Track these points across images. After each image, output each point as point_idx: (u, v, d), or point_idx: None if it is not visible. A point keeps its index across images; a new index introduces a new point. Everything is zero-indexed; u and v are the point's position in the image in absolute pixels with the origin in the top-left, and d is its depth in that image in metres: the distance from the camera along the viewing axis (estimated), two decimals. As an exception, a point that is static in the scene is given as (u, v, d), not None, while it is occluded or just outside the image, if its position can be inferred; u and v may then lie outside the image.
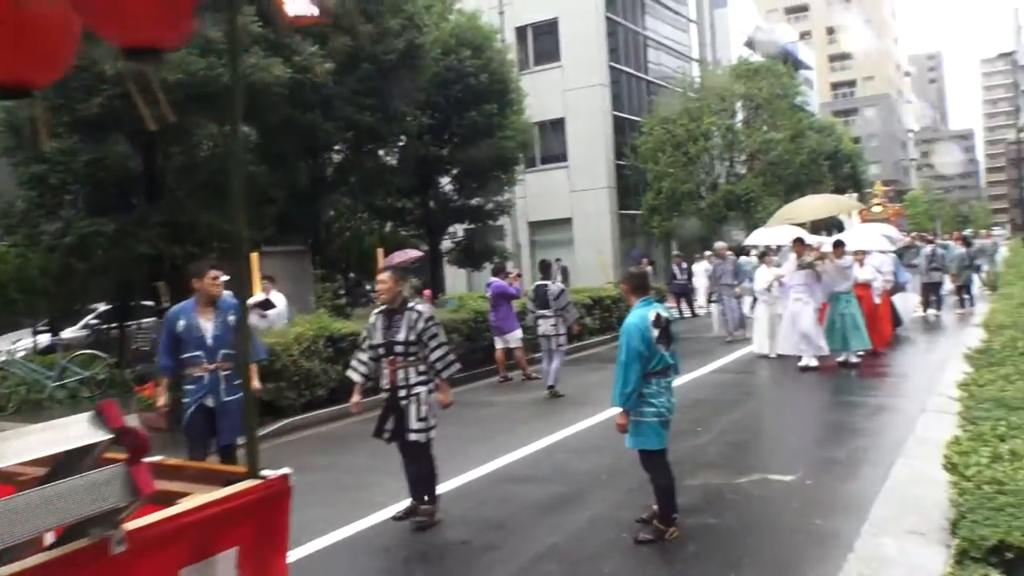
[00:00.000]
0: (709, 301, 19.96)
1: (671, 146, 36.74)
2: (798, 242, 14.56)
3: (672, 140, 36.81)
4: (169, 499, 2.63)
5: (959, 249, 22.05)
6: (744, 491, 7.17)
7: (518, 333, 14.71)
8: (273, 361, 11.22)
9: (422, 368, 6.80)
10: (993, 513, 4.01)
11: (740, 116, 39.60)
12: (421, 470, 6.85)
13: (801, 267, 14.17)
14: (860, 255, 15.21)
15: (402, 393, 6.75)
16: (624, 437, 6.19)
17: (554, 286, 13.29)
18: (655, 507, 6.19)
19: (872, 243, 16.66)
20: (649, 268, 26.45)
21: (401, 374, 6.75)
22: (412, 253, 22.48)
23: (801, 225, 17.24)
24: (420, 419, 6.74)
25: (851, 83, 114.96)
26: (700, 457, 8.35)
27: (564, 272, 31.71)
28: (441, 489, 7.41)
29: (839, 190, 51.62)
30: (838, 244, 14.28)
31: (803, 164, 39.37)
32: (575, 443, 9.47)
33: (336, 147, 22.33)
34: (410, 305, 6.85)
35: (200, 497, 2.65)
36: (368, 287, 19.72)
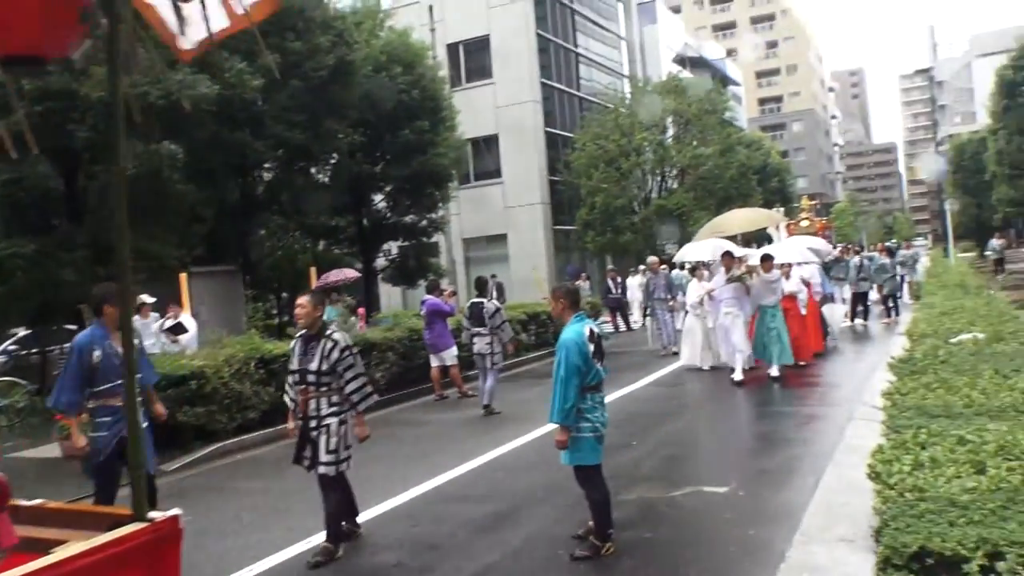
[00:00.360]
0: (644, 315, 20.14)
1: (604, 162, 37.14)
2: (728, 255, 14.69)
3: (604, 156, 37.20)
4: (46, 547, 2.46)
5: (884, 260, 22.64)
6: (679, 504, 7.22)
7: (453, 351, 14.66)
8: (203, 384, 11.01)
9: (335, 399, 6.53)
10: (914, 520, 4.10)
11: (671, 132, 40.20)
12: (328, 505, 6.58)
13: (730, 281, 14.30)
14: (787, 268, 15.44)
15: (312, 424, 6.53)
16: (560, 453, 6.19)
17: (489, 304, 13.24)
18: (591, 523, 6.20)
19: (798, 255, 16.91)
20: (587, 283, 26.72)
21: (312, 404, 6.52)
22: (347, 273, 22.28)
23: (731, 238, 17.49)
24: (329, 451, 6.48)
25: (778, 99, 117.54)
26: (636, 471, 8.40)
27: (499, 288, 31.73)
28: (376, 510, 7.33)
29: (768, 203, 52.74)
30: (766, 258, 14.47)
31: (733, 178, 40.15)
32: (511, 460, 9.46)
33: (267, 165, 22.09)
34: (328, 332, 6.56)
35: (79, 544, 2.46)
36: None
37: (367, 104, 23.22)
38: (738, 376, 13.81)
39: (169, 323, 12.66)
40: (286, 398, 6.87)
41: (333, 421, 6.51)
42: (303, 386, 6.56)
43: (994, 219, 58.96)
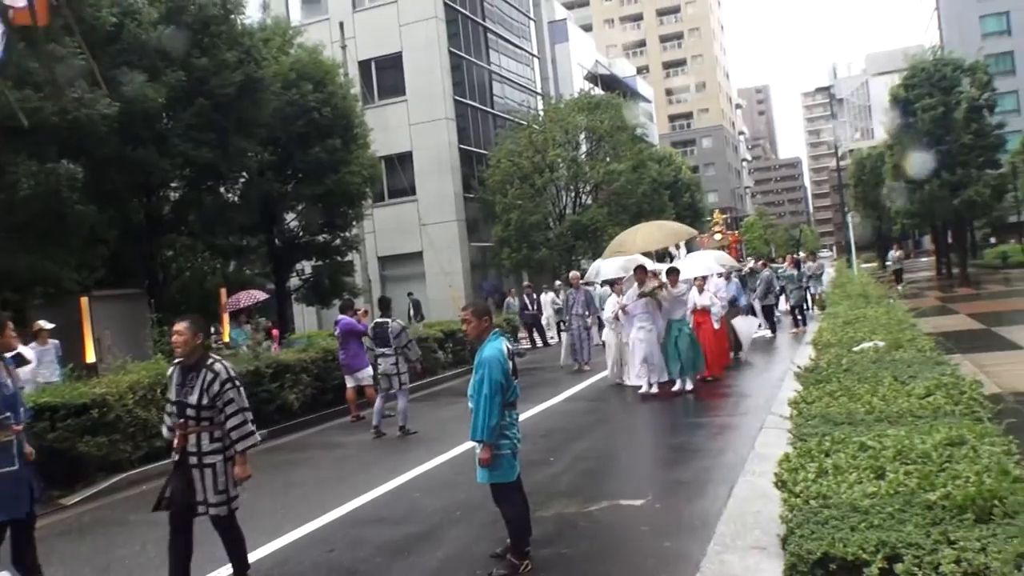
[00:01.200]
0: (559, 331, 20.25)
1: (518, 178, 37.37)
2: (640, 270, 14.81)
3: (519, 172, 37.44)
4: None
5: (791, 271, 23.27)
6: (596, 519, 7.29)
7: (368, 371, 14.52)
8: (105, 412, 10.67)
9: (218, 434, 6.05)
10: (818, 527, 4.22)
11: (584, 148, 40.68)
12: (229, 542, 6.23)
13: (642, 295, 14.45)
14: (700, 281, 15.63)
15: (193, 460, 6.03)
16: (477, 471, 6.18)
17: (394, 324, 13.08)
18: (509, 541, 6.21)
19: (704, 269, 17.04)
20: (516, 300, 26.73)
21: (192, 439, 6.02)
22: (257, 294, 21.92)
23: (647, 253, 17.56)
24: (218, 492, 6.03)
25: (688, 115, 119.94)
26: (553, 487, 8.44)
27: (417, 306, 31.66)
28: (291, 536, 7.21)
29: (680, 218, 53.73)
30: (672, 272, 14.63)
31: (645, 194, 40.87)
32: (428, 481, 9.41)
33: (173, 184, 21.62)
34: (209, 362, 6.08)
35: None
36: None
37: (277, 122, 22.94)
38: (645, 388, 14.12)
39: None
40: (163, 429, 6.42)
41: (218, 460, 6.04)
42: (182, 420, 6.06)
43: (893, 231, 61.14)
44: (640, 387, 14.35)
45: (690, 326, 14.62)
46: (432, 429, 12.98)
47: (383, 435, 12.61)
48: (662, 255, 19.69)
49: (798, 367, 9.52)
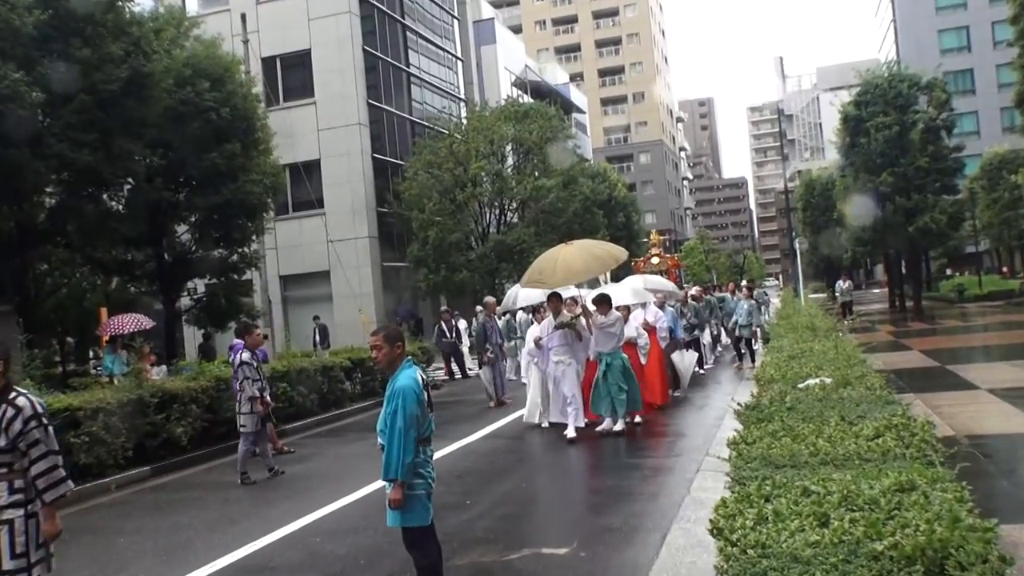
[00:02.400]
0: (480, 363, 19.99)
1: (437, 192, 37.44)
2: (554, 298, 14.42)
3: (438, 185, 37.51)
4: None
5: (745, 302, 23.34)
6: (516, 568, 7.30)
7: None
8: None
9: (19, 483, 5.46)
10: (756, 578, 4.31)
11: (510, 161, 40.94)
12: None
13: (559, 327, 14.19)
14: (624, 311, 15.37)
15: None
16: (387, 514, 6.14)
17: (236, 356, 12.81)
18: (419, 592, 6.18)
19: (632, 296, 16.87)
20: (455, 319, 26.53)
21: None
22: (142, 320, 21.48)
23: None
24: (17, 555, 5.40)
25: (624, 128, 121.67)
26: (469, 533, 8.43)
27: (322, 331, 31.38)
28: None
29: (615, 239, 54.29)
30: (602, 300, 14.10)
31: (576, 213, 41.18)
32: (331, 524, 9.32)
33: (48, 189, 21.14)
34: (11, 395, 5.51)
35: None
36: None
37: (168, 123, 22.62)
38: (571, 432, 13.58)
39: None
40: None
41: (18, 515, 5.43)
42: None
43: (844, 259, 62.62)
44: (565, 429, 13.85)
45: (623, 360, 14.14)
46: (337, 467, 12.86)
47: (281, 473, 12.47)
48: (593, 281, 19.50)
49: (738, 404, 9.70)
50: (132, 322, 21.20)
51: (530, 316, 20.49)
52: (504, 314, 22.63)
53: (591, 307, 14.08)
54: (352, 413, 19.34)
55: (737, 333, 22.70)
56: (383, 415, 6.07)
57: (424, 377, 6.24)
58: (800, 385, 10.64)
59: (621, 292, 16.75)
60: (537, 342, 14.73)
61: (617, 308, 14.98)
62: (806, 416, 8.30)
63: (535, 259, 15.56)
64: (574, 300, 14.58)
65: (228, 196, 24.36)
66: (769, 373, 12.11)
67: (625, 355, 14.22)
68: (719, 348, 25.89)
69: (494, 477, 11.30)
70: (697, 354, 20.82)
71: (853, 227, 41.68)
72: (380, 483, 6.09)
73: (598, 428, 13.96)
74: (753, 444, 7.25)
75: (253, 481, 12.03)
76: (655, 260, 29.11)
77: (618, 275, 21.37)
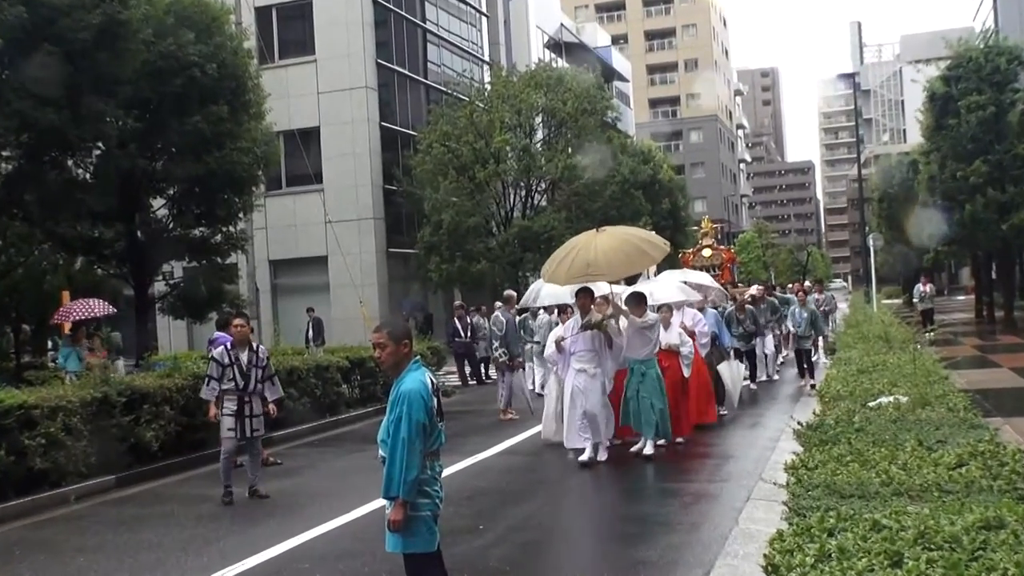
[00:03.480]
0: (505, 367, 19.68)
1: (454, 168, 37.43)
2: (584, 294, 13.78)
3: (456, 161, 37.51)
4: None
5: (803, 309, 23.11)
6: (534, 605, 7.31)
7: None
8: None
9: None
10: (816, 623, 4.29)
11: (540, 135, 40.87)
12: None
13: (586, 327, 13.50)
14: (666, 312, 14.99)
15: None
16: (387, 538, 6.14)
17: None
18: (422, 629, 6.18)
19: (675, 293, 16.43)
20: (470, 316, 26.41)
21: None
22: (95, 306, 21.53)
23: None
24: None
25: (674, 101, 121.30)
26: (481, 562, 8.44)
27: (317, 325, 31.49)
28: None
29: (658, 229, 54.12)
30: (637, 299, 13.75)
31: (614, 196, 41.03)
32: (322, 547, 9.35)
33: (6, 153, 21.26)
34: None
35: None
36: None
37: (146, 80, 22.69)
38: (587, 455, 13.13)
39: None
40: None
41: None
42: None
43: (925, 260, 62.17)
44: (580, 453, 13.34)
45: (658, 372, 13.86)
46: (330, 482, 12.91)
47: (264, 497, 12.29)
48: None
49: (798, 424, 9.69)
50: (83, 308, 21.27)
51: (554, 317, 19.90)
52: (522, 312, 22.52)
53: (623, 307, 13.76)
54: (349, 421, 19.38)
55: (796, 345, 22.36)
56: (385, 423, 6.08)
57: (434, 381, 6.24)
58: (871, 403, 10.63)
59: (664, 289, 16.44)
60: (559, 343, 13.95)
61: (659, 308, 14.91)
62: (877, 439, 8.29)
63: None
64: (605, 299, 13.92)
65: (212, 166, 24.40)
66: (835, 389, 12.11)
67: (657, 367, 13.90)
68: (781, 359, 25.59)
69: (511, 499, 11.30)
70: (745, 366, 20.49)
71: (937, 223, 41.31)
72: (379, 502, 6.09)
73: (632, 449, 13.81)
74: (815, 469, 7.25)
75: (230, 501, 11.83)
76: (707, 252, 28.61)
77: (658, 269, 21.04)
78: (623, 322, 13.77)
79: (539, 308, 21.05)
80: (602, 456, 13.33)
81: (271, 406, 12.39)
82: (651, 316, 13.96)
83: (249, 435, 12.10)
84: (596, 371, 13.56)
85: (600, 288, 14.34)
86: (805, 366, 21.95)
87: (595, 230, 14.26)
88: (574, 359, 13.70)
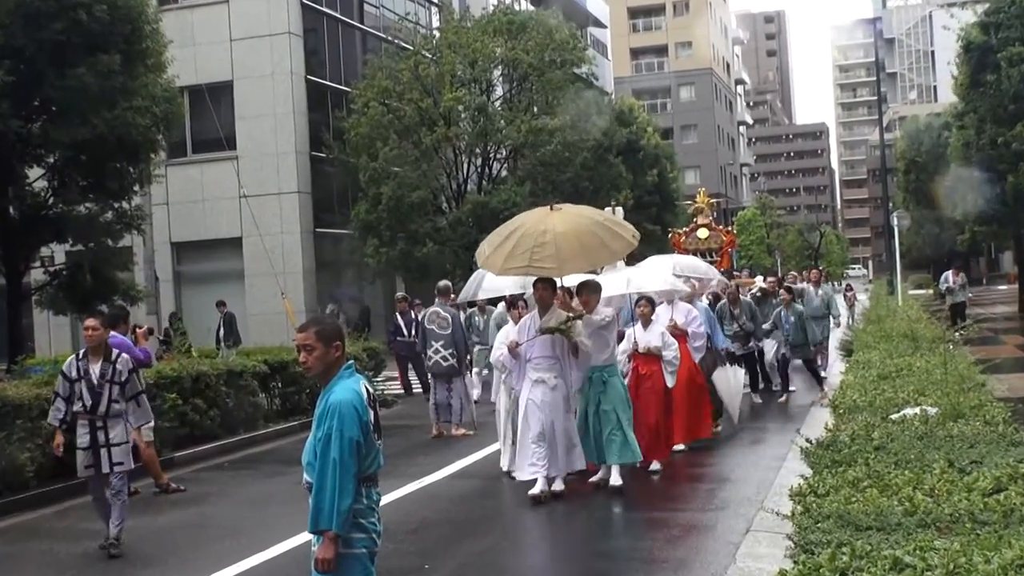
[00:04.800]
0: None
1: (396, 132, 37.38)
2: (544, 285, 13.02)
3: (397, 123, 37.46)
4: None
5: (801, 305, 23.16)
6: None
7: (152, 423, 14.29)
8: None
9: None
10: None
11: (499, 91, 40.80)
12: None
13: (545, 331, 12.77)
14: (644, 306, 14.44)
15: None
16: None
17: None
18: None
19: (656, 283, 15.74)
20: (415, 311, 26.22)
21: None
22: None
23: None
24: None
25: (660, 50, 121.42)
26: (427, 610, 8.46)
27: (229, 322, 31.34)
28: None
29: (642, 206, 54.22)
30: (587, 288, 13.29)
31: (586, 164, 40.88)
32: (234, 594, 9.34)
33: None
34: None
35: None
36: None
37: (19, 23, 22.48)
38: (538, 487, 12.53)
39: None
40: None
41: None
42: None
43: (959, 241, 62.51)
44: (534, 483, 12.71)
45: (622, 377, 13.52)
46: (245, 513, 12.89)
47: (114, 556, 11.86)
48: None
49: (807, 441, 9.74)
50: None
51: (501, 309, 19.64)
52: (469, 306, 22.46)
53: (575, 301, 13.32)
54: (269, 437, 19.30)
55: (789, 354, 21.98)
56: (311, 442, 6.07)
57: (370, 390, 6.23)
58: (893, 416, 10.71)
59: (645, 277, 15.88)
60: (513, 348, 13.13)
61: (641, 301, 14.59)
62: (900, 459, 8.35)
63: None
64: (569, 292, 13.65)
65: (101, 129, 24.19)
66: (851, 399, 12.18)
67: (619, 374, 13.47)
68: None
69: (463, 532, 11.31)
70: (746, 372, 20.18)
71: (973, 198, 41.52)
72: (305, 536, 6.08)
73: (592, 479, 13.24)
74: (826, 496, 7.30)
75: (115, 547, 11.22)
76: (702, 233, 28.07)
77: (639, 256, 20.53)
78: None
79: (481, 301, 20.74)
80: (558, 487, 12.71)
81: (137, 433, 11.73)
82: (605, 311, 13.42)
83: (108, 470, 11.05)
84: (557, 381, 12.88)
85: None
86: (823, 375, 22.04)
87: (549, 207, 13.50)
88: (530, 367, 13.01)
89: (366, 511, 6.07)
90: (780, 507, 8.15)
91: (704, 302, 18.72)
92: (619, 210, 27.49)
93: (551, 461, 12.67)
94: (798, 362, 22.31)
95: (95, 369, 11.10)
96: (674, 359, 14.38)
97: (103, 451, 11.01)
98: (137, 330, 15.21)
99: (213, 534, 11.91)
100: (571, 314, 12.87)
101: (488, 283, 17.05)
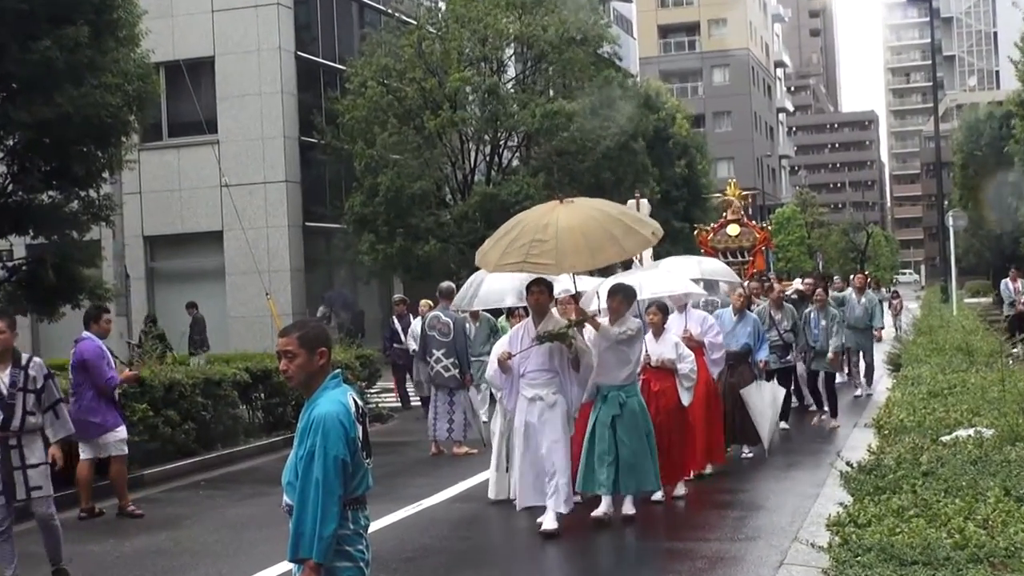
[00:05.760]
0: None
1: (396, 116, 37.36)
2: (540, 286, 12.75)
3: (398, 106, 37.45)
4: None
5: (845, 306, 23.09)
6: None
7: (120, 432, 14.29)
8: None
9: None
10: None
11: (511, 72, 40.76)
12: None
13: (543, 339, 12.45)
14: (655, 314, 14.11)
15: None
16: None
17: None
18: None
19: (671, 285, 15.42)
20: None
21: None
22: None
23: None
24: None
25: (692, 28, 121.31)
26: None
27: (197, 326, 31.44)
28: None
29: (669, 200, 54.14)
30: (620, 294, 12.97)
31: (608, 154, 40.82)
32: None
33: None
34: None
35: None
36: None
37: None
38: (549, 522, 12.17)
39: None
40: None
41: None
42: None
43: (1022, 244, 62.42)
44: (543, 517, 12.37)
45: (640, 401, 13.05)
46: (220, 539, 12.89)
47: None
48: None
49: (847, 464, 9.73)
50: None
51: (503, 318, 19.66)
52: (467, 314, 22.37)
53: (595, 306, 13.22)
54: (250, 454, 19.33)
55: (814, 366, 21.46)
56: (292, 460, 6.05)
57: (359, 403, 6.22)
58: (944, 438, 10.69)
59: (659, 280, 15.58)
60: (504, 361, 12.76)
61: (652, 308, 14.18)
62: (951, 486, 8.33)
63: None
64: (573, 298, 13.38)
65: (67, 108, 24.21)
66: (898, 418, 12.16)
67: (640, 395, 13.11)
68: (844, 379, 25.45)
69: (464, 562, 11.31)
70: (784, 389, 19.57)
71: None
72: (285, 565, 6.08)
73: (594, 513, 12.76)
74: (867, 527, 7.28)
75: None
76: (733, 230, 27.68)
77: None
78: (589, 331, 12.74)
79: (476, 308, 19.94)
80: (563, 506, 12.25)
81: (54, 450, 11.07)
82: (633, 322, 12.99)
83: (25, 497, 10.67)
84: (556, 398, 12.52)
85: (561, 282, 13.70)
86: (860, 391, 21.87)
87: (558, 200, 13.14)
88: (524, 383, 12.67)
89: (353, 537, 6.05)
90: (816, 538, 8.14)
91: (757, 308, 18.51)
92: (644, 203, 27.12)
93: (552, 490, 12.24)
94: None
95: (3, 378, 10.60)
96: (691, 372, 13.96)
97: (17, 474, 10.51)
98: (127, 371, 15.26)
99: (185, 561, 11.92)
100: (572, 319, 12.64)
101: (486, 289, 16.40)
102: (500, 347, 13.32)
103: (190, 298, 33.58)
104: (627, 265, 16.86)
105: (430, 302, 21.28)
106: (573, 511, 12.42)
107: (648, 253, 16.36)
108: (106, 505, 14.44)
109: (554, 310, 12.84)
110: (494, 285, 15.99)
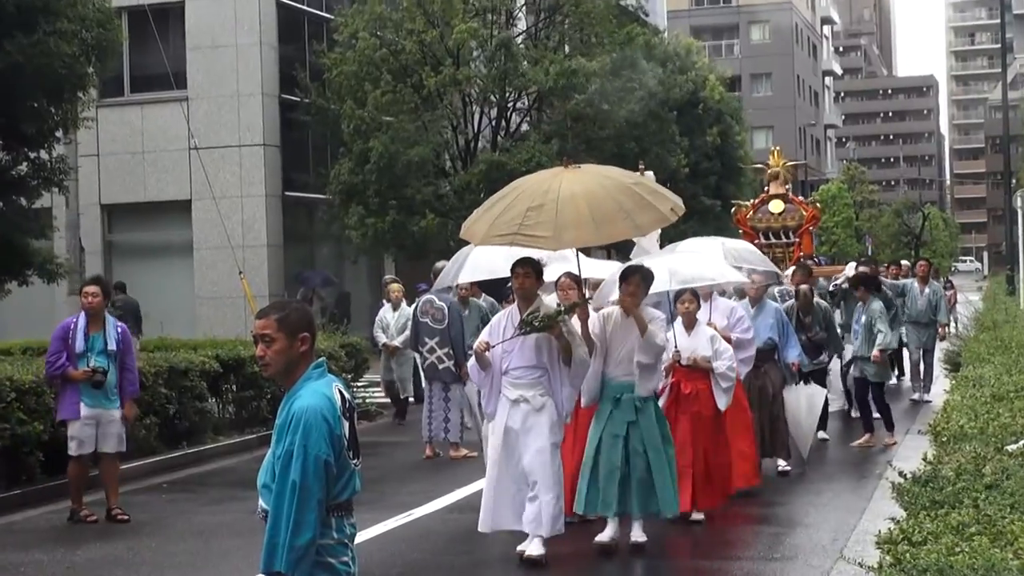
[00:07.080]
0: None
1: (390, 72, 37.30)
2: (526, 266, 12.20)
3: (393, 61, 37.42)
4: None
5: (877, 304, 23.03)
6: None
7: (73, 429, 14.33)
8: None
9: None
10: None
11: (522, 25, 40.76)
12: None
13: (526, 328, 11.84)
14: (688, 302, 13.77)
15: None
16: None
17: None
18: None
19: (708, 271, 14.84)
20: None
21: None
22: None
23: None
24: None
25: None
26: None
27: (127, 308, 31.55)
28: None
29: (699, 174, 54.11)
30: (634, 276, 12.44)
31: (632, 120, 40.81)
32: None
33: None
34: None
35: None
36: None
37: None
38: (534, 548, 11.60)
39: None
40: None
41: None
42: None
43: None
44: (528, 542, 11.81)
45: (657, 408, 12.68)
46: (187, 547, 12.92)
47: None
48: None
49: (900, 475, 9.73)
50: None
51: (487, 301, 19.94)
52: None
53: (615, 297, 12.60)
54: (219, 453, 19.39)
55: (855, 371, 21.04)
56: (269, 459, 6.05)
57: (345, 396, 6.21)
58: (1010, 447, 10.68)
59: (692, 263, 14.92)
60: (481, 353, 12.14)
61: (685, 295, 13.77)
62: (1017, 501, 8.33)
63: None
64: (572, 278, 12.83)
65: (16, 58, 24.29)
66: (958, 424, 12.15)
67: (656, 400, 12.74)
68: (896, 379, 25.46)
69: (461, 579, 11.34)
70: (824, 390, 19.22)
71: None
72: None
73: (599, 538, 12.29)
74: (923, 545, 7.28)
75: None
76: (775, 207, 27.14)
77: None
78: (593, 320, 12.28)
79: (456, 287, 19.68)
80: (553, 528, 11.64)
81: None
82: (654, 313, 12.58)
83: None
84: (544, 400, 11.90)
85: (568, 261, 13.15)
86: (920, 396, 21.91)
87: (564, 166, 12.47)
88: (507, 381, 12.10)
89: (336, 547, 6.03)
90: (864, 557, 8.13)
91: (777, 303, 18.09)
92: (649, 174, 27.26)
93: (541, 507, 11.56)
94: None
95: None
96: (728, 371, 13.59)
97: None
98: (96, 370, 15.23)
99: (144, 574, 11.95)
100: (565, 305, 12.09)
101: (472, 262, 16.35)
102: (481, 338, 12.55)
103: (153, 276, 33.59)
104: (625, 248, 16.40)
105: (401, 286, 21.26)
106: (563, 535, 11.81)
107: (655, 234, 15.54)
108: (60, 508, 14.49)
109: (549, 297, 12.49)
110: (481, 259, 15.82)
